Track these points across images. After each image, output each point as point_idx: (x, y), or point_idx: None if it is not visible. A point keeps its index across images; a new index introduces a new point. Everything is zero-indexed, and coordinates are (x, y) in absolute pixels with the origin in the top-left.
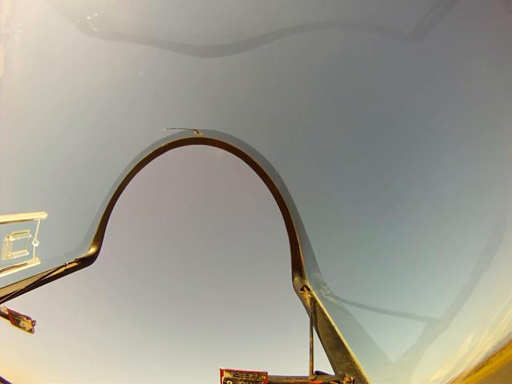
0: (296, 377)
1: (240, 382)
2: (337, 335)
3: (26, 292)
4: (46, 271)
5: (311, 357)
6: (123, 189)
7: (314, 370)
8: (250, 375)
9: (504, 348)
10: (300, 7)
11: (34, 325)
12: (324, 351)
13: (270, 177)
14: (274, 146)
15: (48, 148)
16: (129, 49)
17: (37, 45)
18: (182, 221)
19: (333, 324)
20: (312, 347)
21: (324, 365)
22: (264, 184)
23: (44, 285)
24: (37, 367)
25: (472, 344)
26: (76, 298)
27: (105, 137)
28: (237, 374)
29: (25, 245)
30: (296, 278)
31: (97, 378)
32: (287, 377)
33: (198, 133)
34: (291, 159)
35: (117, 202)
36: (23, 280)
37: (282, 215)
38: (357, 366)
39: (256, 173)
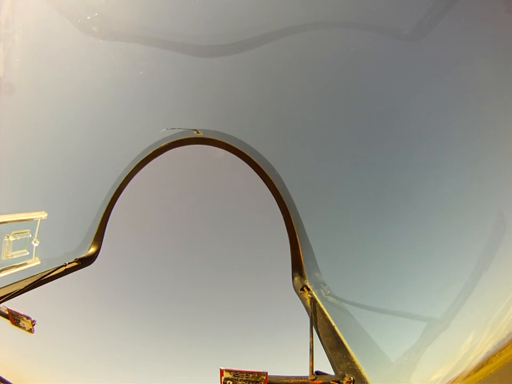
0: (296, 377)
1: (240, 382)
2: (337, 335)
3: (26, 291)
4: (46, 271)
5: (311, 357)
6: (123, 189)
7: (314, 370)
8: (250, 375)
9: (504, 348)
10: (300, 7)
11: (34, 324)
12: (324, 351)
13: (270, 177)
14: (274, 146)
15: (48, 148)
16: (129, 49)
17: (37, 45)
18: (182, 221)
19: (333, 323)
20: (312, 347)
21: (324, 365)
22: (264, 184)
23: (44, 285)
24: (37, 367)
25: (472, 344)
26: (76, 298)
27: (105, 137)
28: (237, 374)
29: (25, 245)
30: (296, 278)
31: (97, 378)
32: (287, 377)
33: (198, 133)
34: (291, 159)
35: (117, 202)
36: (23, 280)
37: (282, 215)
38: (357, 366)
39: (256, 173)
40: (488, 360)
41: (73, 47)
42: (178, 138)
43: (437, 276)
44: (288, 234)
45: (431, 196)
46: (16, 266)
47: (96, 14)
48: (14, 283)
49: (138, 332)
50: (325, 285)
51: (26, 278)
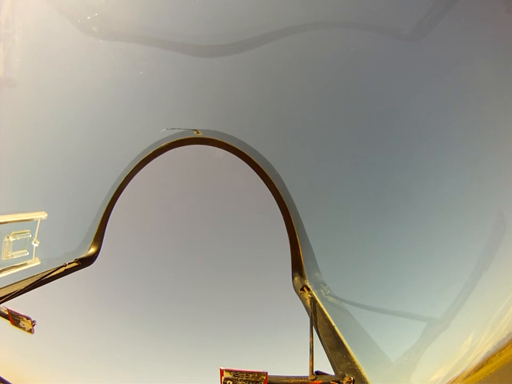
0: (296, 377)
1: (240, 382)
2: (337, 335)
3: (26, 291)
4: (46, 271)
5: (311, 357)
6: (123, 189)
7: (314, 370)
8: (250, 375)
9: (504, 348)
10: (300, 7)
11: (34, 325)
12: (324, 351)
13: (270, 177)
14: (274, 146)
15: (48, 148)
16: (129, 49)
17: (37, 45)
18: (182, 221)
19: (333, 323)
20: (312, 347)
21: (324, 365)
22: (264, 184)
23: (44, 285)
24: (37, 367)
25: (472, 344)
26: (76, 298)
27: (105, 137)
28: (237, 374)
29: (25, 245)
30: (296, 278)
31: (97, 378)
32: (287, 377)
33: (197, 133)
34: (291, 159)
35: (117, 202)
36: (23, 280)
37: (282, 215)
38: (357, 366)
39: (256, 173)
40: (488, 360)
41: (73, 47)
42: (178, 138)
43: (437, 276)
44: (288, 234)
45: (431, 196)
46: (16, 267)
47: (96, 14)
48: (14, 283)
49: (138, 332)
50: (325, 285)
51: (27, 278)
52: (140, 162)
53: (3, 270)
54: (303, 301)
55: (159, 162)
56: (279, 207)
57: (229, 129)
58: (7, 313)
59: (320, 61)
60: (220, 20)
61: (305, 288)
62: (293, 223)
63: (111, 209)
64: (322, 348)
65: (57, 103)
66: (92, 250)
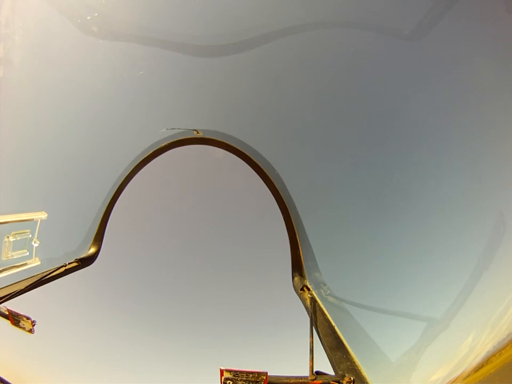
0: (296, 377)
1: (240, 382)
2: (337, 335)
3: (26, 291)
4: (46, 271)
5: (311, 357)
6: (123, 189)
7: (314, 370)
8: (250, 375)
9: (504, 348)
10: (300, 7)
11: (34, 325)
12: (324, 351)
13: (270, 177)
14: (274, 146)
15: (48, 148)
16: (129, 49)
17: (37, 45)
18: (182, 221)
19: (333, 323)
20: (312, 347)
21: (324, 365)
22: (264, 184)
23: (44, 285)
24: (37, 367)
25: (472, 344)
26: (76, 298)
27: (105, 137)
28: (237, 374)
29: (25, 245)
30: (296, 278)
31: (97, 378)
32: (287, 377)
33: (197, 133)
34: (291, 159)
35: (117, 202)
36: (23, 280)
37: (282, 215)
38: (357, 366)
39: (256, 173)
40: (488, 360)
41: (73, 47)
42: (178, 138)
43: (437, 276)
44: (288, 234)
45: (431, 196)
46: (17, 267)
47: (96, 14)
48: (14, 283)
49: (138, 332)
50: (325, 285)
51: (27, 278)
52: (140, 162)
53: (3, 270)
54: (303, 301)
55: (159, 162)
56: (279, 207)
57: (229, 129)
58: (7, 313)
59: (320, 61)
60: (220, 19)
61: (305, 288)
62: (293, 223)
63: (111, 209)
64: (322, 347)
65: (57, 103)
66: (92, 250)
